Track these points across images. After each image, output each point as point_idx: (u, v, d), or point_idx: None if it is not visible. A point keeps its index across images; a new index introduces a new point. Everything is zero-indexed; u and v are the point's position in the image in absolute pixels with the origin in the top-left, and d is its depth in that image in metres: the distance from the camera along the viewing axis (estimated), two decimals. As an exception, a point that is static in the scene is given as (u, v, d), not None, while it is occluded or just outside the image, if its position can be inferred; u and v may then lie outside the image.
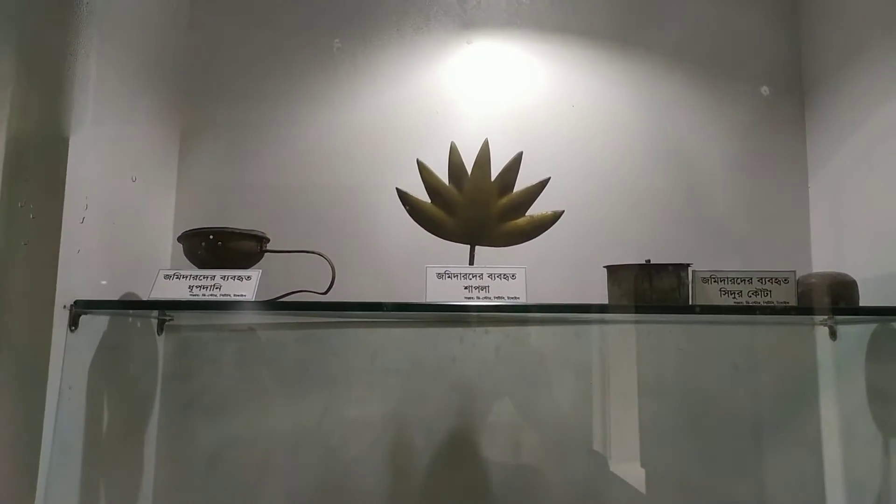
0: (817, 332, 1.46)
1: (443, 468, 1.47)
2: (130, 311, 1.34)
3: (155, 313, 1.42)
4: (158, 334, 1.47)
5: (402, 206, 1.33)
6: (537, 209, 1.34)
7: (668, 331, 1.49)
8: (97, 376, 1.24)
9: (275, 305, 1.17)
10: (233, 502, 1.46)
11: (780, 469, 1.43)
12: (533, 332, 1.51)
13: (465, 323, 1.50)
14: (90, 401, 1.22)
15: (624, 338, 1.51)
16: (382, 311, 1.15)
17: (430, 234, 1.34)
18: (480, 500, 1.46)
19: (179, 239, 1.29)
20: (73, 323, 1.14)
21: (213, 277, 1.19)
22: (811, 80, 1.54)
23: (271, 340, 1.52)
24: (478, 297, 1.20)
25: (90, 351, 1.23)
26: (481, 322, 1.50)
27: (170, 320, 1.48)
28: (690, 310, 1.16)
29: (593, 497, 1.46)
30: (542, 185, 1.35)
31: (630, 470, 1.45)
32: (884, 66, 1.26)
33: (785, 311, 1.13)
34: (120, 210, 1.31)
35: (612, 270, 1.24)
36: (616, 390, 1.49)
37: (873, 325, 1.28)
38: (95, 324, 1.24)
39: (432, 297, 1.20)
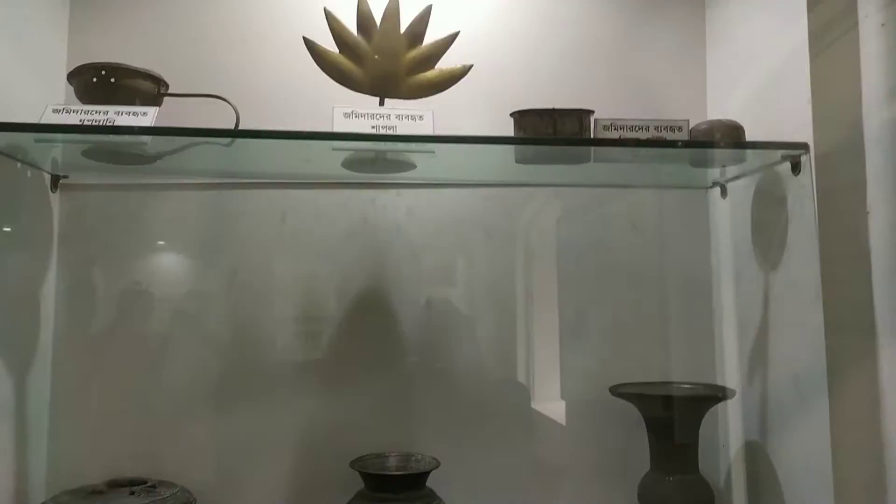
0: (710, 193, 1.54)
1: (355, 331, 1.49)
2: (18, 157, 1.26)
3: (48, 166, 1.34)
4: (52, 191, 1.40)
5: (310, 57, 1.31)
6: (445, 64, 1.34)
7: (572, 193, 1.55)
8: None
9: (166, 131, 1.13)
10: (135, 365, 1.43)
11: (675, 313, 1.53)
12: (445, 194, 1.53)
13: (377, 185, 1.50)
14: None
15: (532, 200, 1.56)
16: (264, 138, 1.17)
17: (338, 85, 1.33)
18: (393, 363, 1.49)
19: (69, 77, 1.21)
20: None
21: (107, 112, 1.14)
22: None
23: (174, 201, 1.47)
24: (385, 137, 1.21)
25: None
26: (393, 184, 1.50)
27: (64, 178, 1.40)
28: (591, 142, 1.21)
29: (503, 353, 1.52)
30: (452, 38, 1.35)
31: (537, 322, 1.52)
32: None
33: (671, 143, 1.21)
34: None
35: (519, 116, 1.27)
36: (524, 249, 1.55)
37: (757, 176, 1.37)
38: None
39: (338, 136, 1.20)
